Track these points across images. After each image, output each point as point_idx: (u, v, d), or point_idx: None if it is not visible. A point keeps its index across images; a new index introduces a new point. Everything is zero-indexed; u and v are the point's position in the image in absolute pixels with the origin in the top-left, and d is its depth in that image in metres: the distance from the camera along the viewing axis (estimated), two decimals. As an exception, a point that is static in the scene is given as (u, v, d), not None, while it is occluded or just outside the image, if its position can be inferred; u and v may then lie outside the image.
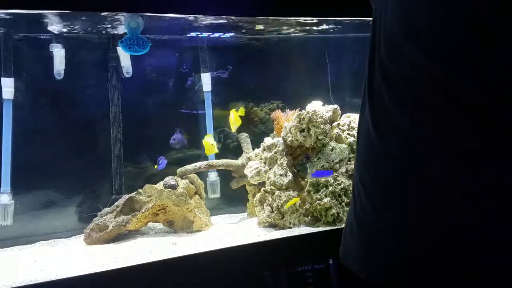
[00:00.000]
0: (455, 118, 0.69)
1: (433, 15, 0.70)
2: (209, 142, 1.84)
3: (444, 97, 0.69)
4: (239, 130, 1.91)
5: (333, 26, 1.94)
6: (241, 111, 1.88)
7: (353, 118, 1.84)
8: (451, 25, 0.68)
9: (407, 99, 0.74)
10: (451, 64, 0.68)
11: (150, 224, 1.73)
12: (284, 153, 1.72)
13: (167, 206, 1.63)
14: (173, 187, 1.64)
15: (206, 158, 1.94)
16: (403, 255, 0.74)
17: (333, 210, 1.56)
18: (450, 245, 0.69)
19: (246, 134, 1.90)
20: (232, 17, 1.62)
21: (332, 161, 1.70)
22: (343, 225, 1.55)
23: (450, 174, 0.69)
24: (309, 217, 1.62)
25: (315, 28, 1.94)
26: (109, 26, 1.66)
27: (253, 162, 1.76)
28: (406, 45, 0.73)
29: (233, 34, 1.96)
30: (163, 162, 1.82)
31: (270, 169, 1.71)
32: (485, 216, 0.67)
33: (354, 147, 1.77)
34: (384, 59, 0.78)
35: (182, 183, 1.69)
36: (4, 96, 1.66)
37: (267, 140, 1.78)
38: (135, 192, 1.66)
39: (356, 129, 1.80)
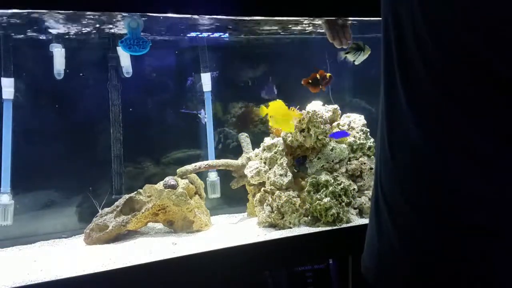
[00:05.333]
0: (494, 118, 0.64)
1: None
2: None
3: (503, 92, 0.64)
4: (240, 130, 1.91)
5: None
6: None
7: (353, 118, 1.85)
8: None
9: (466, 95, 0.67)
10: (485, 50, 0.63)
11: (150, 224, 1.73)
12: (284, 153, 1.72)
13: (167, 206, 1.63)
14: (173, 187, 1.64)
15: (206, 158, 1.94)
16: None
17: (333, 210, 1.56)
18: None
19: (246, 134, 1.90)
20: (232, 17, 1.62)
21: (332, 161, 1.70)
22: (343, 225, 1.57)
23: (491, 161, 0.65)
24: (309, 217, 1.62)
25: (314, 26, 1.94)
26: (109, 25, 1.66)
27: (253, 162, 1.76)
28: (464, 35, 0.66)
29: (233, 34, 1.96)
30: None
31: (270, 169, 1.71)
32: None
33: (354, 147, 1.77)
34: (431, 53, 0.70)
35: (182, 183, 1.69)
36: (4, 96, 1.66)
37: (267, 140, 1.78)
38: (135, 192, 1.66)
39: (357, 129, 1.81)
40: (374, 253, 0.84)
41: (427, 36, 0.71)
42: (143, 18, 1.49)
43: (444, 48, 0.69)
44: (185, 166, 1.76)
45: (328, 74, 1.74)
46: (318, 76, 1.72)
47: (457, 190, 0.69)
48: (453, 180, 0.70)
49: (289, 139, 1.73)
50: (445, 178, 0.71)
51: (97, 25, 1.64)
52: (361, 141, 1.78)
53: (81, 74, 1.82)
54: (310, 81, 1.73)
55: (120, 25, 1.62)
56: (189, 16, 1.54)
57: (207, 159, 1.91)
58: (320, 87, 1.74)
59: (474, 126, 0.67)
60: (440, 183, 0.71)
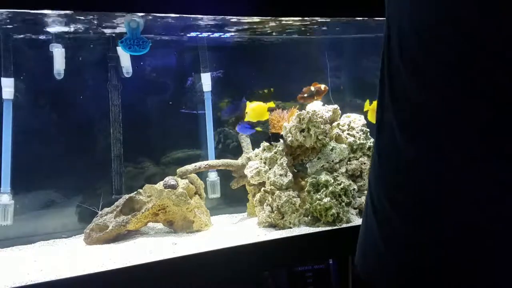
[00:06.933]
0: (480, 111, 0.65)
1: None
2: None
3: (469, 91, 0.65)
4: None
5: (333, 26, 1.94)
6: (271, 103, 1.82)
7: (353, 118, 1.85)
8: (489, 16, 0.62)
9: (442, 94, 0.69)
10: (485, 59, 0.64)
11: (150, 224, 1.73)
12: (284, 153, 1.72)
13: (167, 206, 1.63)
14: (173, 187, 1.64)
15: (206, 158, 1.94)
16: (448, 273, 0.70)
17: (333, 210, 1.56)
18: (483, 254, 0.66)
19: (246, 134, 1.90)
20: (232, 17, 1.62)
21: (332, 161, 1.70)
22: (343, 225, 1.57)
23: (494, 177, 0.65)
24: (309, 217, 1.62)
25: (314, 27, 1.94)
26: (109, 25, 1.66)
27: (253, 162, 1.76)
28: (425, 36, 0.68)
29: (233, 34, 1.96)
30: (244, 127, 1.80)
31: (270, 169, 1.71)
32: None
33: (354, 147, 1.77)
34: (412, 54, 0.73)
35: (182, 183, 1.69)
36: (4, 96, 1.66)
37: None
38: (135, 192, 1.66)
39: (357, 129, 1.81)
40: (361, 249, 0.86)
41: (413, 45, 0.73)
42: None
43: (430, 55, 0.70)
44: (185, 166, 1.76)
45: (323, 86, 1.78)
46: (312, 88, 1.77)
47: (444, 192, 0.70)
48: (440, 181, 0.70)
49: (289, 139, 1.73)
50: (430, 179, 0.71)
51: (97, 25, 1.64)
52: (361, 141, 1.78)
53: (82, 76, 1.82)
54: (305, 95, 1.78)
55: (121, 25, 1.62)
56: (190, 16, 1.54)
57: (207, 159, 1.91)
58: (316, 98, 1.78)
59: (459, 129, 0.68)
60: (426, 184, 0.72)
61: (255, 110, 1.77)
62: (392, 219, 0.76)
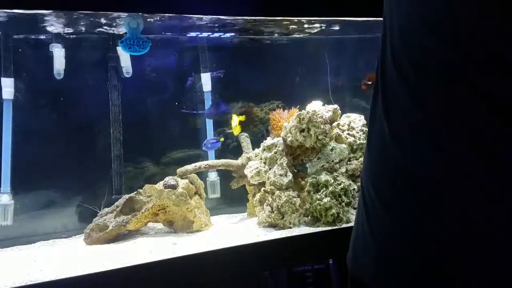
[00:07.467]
0: (478, 113, 0.65)
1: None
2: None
3: (467, 91, 0.66)
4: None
5: (333, 26, 1.94)
6: (242, 117, 1.88)
7: (353, 118, 1.85)
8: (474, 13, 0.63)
9: (425, 93, 0.70)
10: (473, 56, 0.64)
11: (150, 224, 1.73)
12: (284, 153, 1.72)
13: (167, 206, 1.63)
14: (173, 187, 1.64)
15: (206, 158, 1.94)
16: (421, 268, 0.70)
17: (333, 210, 1.56)
18: (477, 250, 0.66)
19: (246, 134, 1.90)
20: (232, 17, 1.62)
21: (332, 161, 1.70)
22: (343, 225, 1.57)
23: (473, 172, 0.66)
24: (309, 217, 1.62)
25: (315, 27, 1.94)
26: (109, 25, 1.66)
27: (253, 162, 1.76)
28: (424, 36, 0.69)
29: (233, 34, 1.97)
30: (211, 143, 1.82)
31: (270, 169, 1.71)
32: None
33: (354, 147, 1.77)
34: (398, 53, 0.74)
35: (182, 183, 1.69)
36: (4, 96, 1.66)
37: (267, 140, 1.78)
38: (135, 192, 1.66)
39: (357, 129, 1.81)
40: (352, 248, 0.87)
41: (399, 44, 0.73)
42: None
43: (429, 55, 0.70)
44: (185, 166, 1.76)
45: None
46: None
47: (444, 192, 0.70)
48: (440, 181, 0.70)
49: (289, 139, 1.73)
50: (430, 180, 0.71)
51: (97, 25, 1.64)
52: (361, 141, 1.78)
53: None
54: (369, 83, 1.79)
55: (120, 25, 1.62)
56: (190, 16, 1.54)
57: (207, 159, 1.91)
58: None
59: (459, 128, 0.68)
60: (425, 185, 0.72)
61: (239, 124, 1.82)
62: (386, 220, 0.76)
